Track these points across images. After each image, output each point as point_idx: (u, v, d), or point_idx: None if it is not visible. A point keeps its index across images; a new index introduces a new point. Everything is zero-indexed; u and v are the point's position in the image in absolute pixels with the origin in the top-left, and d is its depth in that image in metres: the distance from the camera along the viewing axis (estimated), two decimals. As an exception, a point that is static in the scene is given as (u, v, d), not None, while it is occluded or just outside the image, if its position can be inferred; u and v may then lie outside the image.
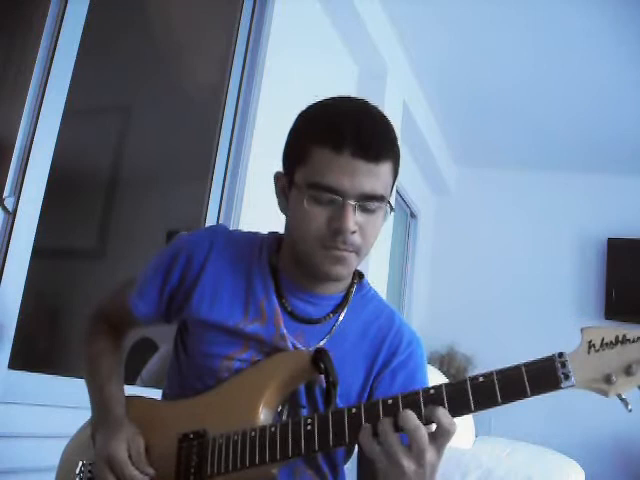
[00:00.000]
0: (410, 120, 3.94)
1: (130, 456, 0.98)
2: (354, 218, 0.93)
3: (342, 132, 0.93)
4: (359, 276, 1.12)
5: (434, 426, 0.83)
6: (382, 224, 1.00)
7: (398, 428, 0.83)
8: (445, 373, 3.84)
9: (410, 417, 0.82)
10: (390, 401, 0.85)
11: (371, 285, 1.14)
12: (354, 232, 0.94)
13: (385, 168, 0.96)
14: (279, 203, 1.05)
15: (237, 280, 1.05)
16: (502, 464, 2.54)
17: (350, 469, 1.14)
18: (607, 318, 4.59)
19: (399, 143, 1.01)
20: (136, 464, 0.98)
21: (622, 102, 3.90)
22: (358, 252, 0.97)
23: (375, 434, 0.84)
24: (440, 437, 0.82)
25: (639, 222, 4.74)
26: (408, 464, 0.81)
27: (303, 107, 1.04)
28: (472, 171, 5.31)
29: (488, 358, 3.84)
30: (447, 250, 5.25)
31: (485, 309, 4.88)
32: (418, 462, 0.81)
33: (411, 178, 4.70)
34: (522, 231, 5.03)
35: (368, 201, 0.94)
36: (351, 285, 1.09)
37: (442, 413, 0.81)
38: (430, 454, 0.81)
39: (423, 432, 0.81)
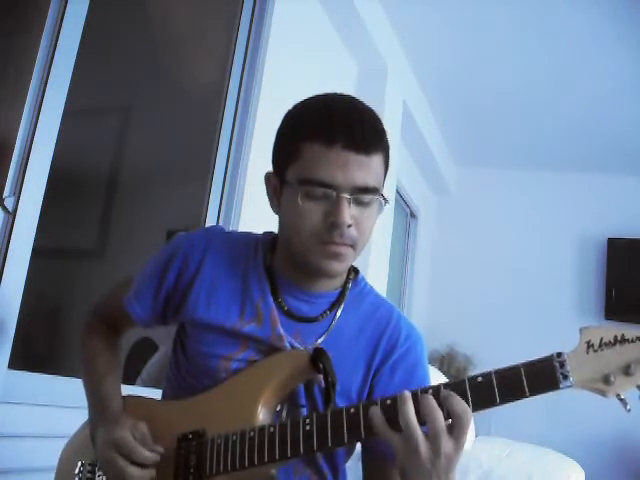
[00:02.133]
0: (410, 120, 3.94)
1: (135, 439, 0.97)
2: (349, 211, 0.93)
3: (332, 126, 0.93)
4: (354, 272, 1.11)
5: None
6: (376, 217, 1.00)
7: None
8: (445, 373, 3.84)
9: (430, 401, 0.82)
10: (389, 401, 0.85)
11: (367, 281, 1.13)
12: (350, 225, 0.94)
13: (376, 160, 0.96)
14: (271, 203, 1.04)
15: (233, 281, 1.05)
16: (502, 464, 2.54)
17: (352, 468, 1.14)
18: (607, 318, 4.59)
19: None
20: (144, 445, 0.97)
21: (622, 102, 3.90)
22: (355, 246, 0.97)
23: (391, 422, 0.83)
24: (456, 427, 0.81)
25: (639, 222, 4.75)
26: (426, 451, 0.80)
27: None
28: (472, 171, 5.31)
29: (488, 358, 3.84)
30: (447, 250, 5.25)
31: (485, 309, 4.88)
32: (435, 449, 0.80)
33: (411, 178, 4.70)
34: (522, 231, 5.03)
35: (362, 194, 0.94)
36: (347, 281, 1.08)
37: (457, 400, 0.81)
38: (447, 443, 0.80)
39: (440, 415, 0.81)
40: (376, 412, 0.84)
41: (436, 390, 0.84)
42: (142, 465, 0.96)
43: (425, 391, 0.84)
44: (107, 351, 1.16)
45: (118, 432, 0.97)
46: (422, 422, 0.82)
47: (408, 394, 0.83)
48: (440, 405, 0.82)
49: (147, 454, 0.96)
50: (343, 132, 0.92)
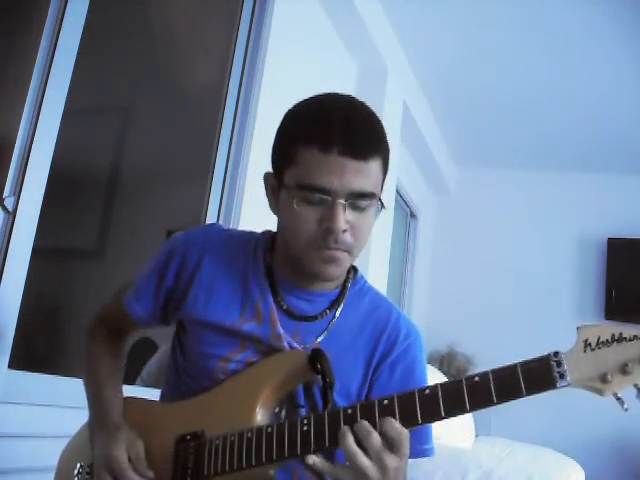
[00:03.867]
0: (410, 120, 3.94)
1: (130, 460, 0.98)
2: (344, 217, 0.92)
3: (329, 131, 0.92)
4: (354, 270, 1.11)
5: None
6: (374, 221, 0.99)
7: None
8: (445, 373, 3.84)
9: (363, 425, 0.84)
10: (386, 401, 0.86)
11: (366, 279, 1.13)
12: (345, 231, 0.93)
13: (374, 165, 0.95)
14: (270, 203, 1.04)
15: (232, 280, 1.05)
16: (502, 464, 2.54)
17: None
18: (607, 318, 4.59)
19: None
20: (136, 468, 0.97)
21: (622, 102, 3.90)
22: (350, 251, 0.97)
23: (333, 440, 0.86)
24: (394, 446, 0.83)
25: (639, 222, 4.74)
26: (374, 473, 0.83)
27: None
28: (472, 171, 5.31)
29: (488, 358, 3.84)
30: (447, 250, 5.25)
31: (485, 309, 4.88)
32: (381, 468, 0.82)
33: (411, 178, 4.70)
34: (522, 231, 5.03)
35: (358, 199, 0.94)
36: (346, 280, 1.08)
37: (390, 425, 0.83)
38: (390, 459, 0.83)
39: (375, 437, 0.83)
40: (316, 460, 0.86)
41: (419, 395, 0.85)
42: None
43: (414, 395, 0.86)
44: (110, 356, 1.16)
45: (113, 450, 0.98)
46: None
47: (346, 428, 0.85)
48: (375, 424, 0.84)
49: (136, 479, 0.97)
50: (340, 137, 0.91)
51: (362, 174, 0.93)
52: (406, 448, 0.84)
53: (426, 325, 4.80)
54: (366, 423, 0.84)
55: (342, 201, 0.92)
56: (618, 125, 4.17)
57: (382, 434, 0.83)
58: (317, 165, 0.92)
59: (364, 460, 0.83)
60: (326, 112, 0.96)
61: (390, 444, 0.83)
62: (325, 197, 0.92)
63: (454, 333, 4.79)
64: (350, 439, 0.83)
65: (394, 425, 0.83)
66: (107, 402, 1.07)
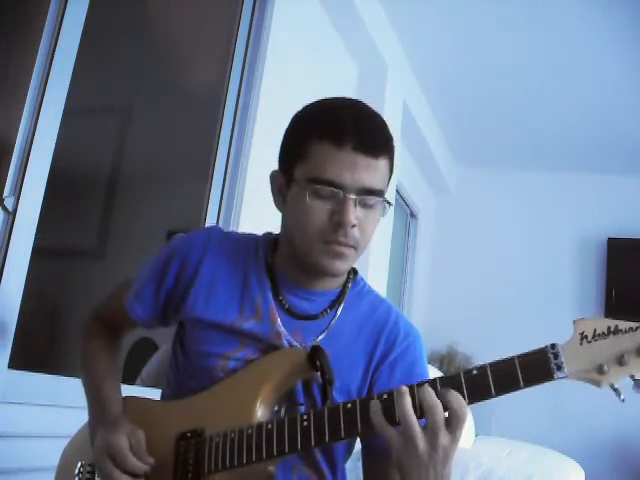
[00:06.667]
0: (410, 120, 3.94)
1: (131, 447, 0.98)
2: (355, 212, 0.95)
3: (343, 127, 0.94)
4: (353, 272, 1.12)
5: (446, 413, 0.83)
6: (379, 220, 1.01)
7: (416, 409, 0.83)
8: (445, 373, 3.83)
9: (431, 394, 0.83)
10: (385, 396, 0.86)
11: (366, 281, 1.14)
12: (354, 226, 0.95)
13: (383, 163, 0.98)
14: (276, 202, 1.05)
15: (233, 278, 1.05)
16: (502, 464, 2.54)
17: (352, 469, 1.14)
18: (607, 318, 4.59)
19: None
20: (137, 454, 0.98)
21: (622, 103, 3.90)
22: (357, 247, 0.98)
23: (387, 415, 0.84)
24: (453, 421, 0.82)
25: (639, 222, 4.75)
26: (423, 445, 0.82)
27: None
28: (472, 171, 5.31)
29: (488, 358, 3.83)
30: (447, 250, 5.25)
31: (485, 309, 4.88)
32: (432, 443, 0.81)
33: (411, 178, 4.70)
34: (522, 231, 5.03)
35: (368, 195, 0.96)
36: (346, 281, 1.10)
37: (454, 396, 0.82)
38: (444, 437, 0.82)
39: (441, 409, 0.82)
40: (375, 405, 0.85)
41: (433, 384, 0.85)
42: (133, 474, 0.97)
43: (422, 385, 0.85)
44: (107, 352, 1.17)
45: (114, 438, 0.98)
46: (419, 416, 0.83)
47: (405, 388, 0.84)
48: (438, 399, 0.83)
49: (138, 464, 0.97)
50: (353, 134, 0.94)
51: (372, 171, 0.95)
52: (460, 431, 0.83)
53: (426, 325, 4.80)
54: (433, 392, 0.83)
55: (353, 196, 0.94)
56: (618, 125, 4.17)
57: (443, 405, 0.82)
58: (330, 159, 0.94)
59: (418, 428, 0.82)
60: (338, 110, 0.99)
61: (448, 419, 0.82)
62: (336, 191, 0.94)
63: (454, 333, 4.79)
64: (408, 401, 0.83)
65: (458, 397, 0.82)
66: (106, 397, 1.08)
